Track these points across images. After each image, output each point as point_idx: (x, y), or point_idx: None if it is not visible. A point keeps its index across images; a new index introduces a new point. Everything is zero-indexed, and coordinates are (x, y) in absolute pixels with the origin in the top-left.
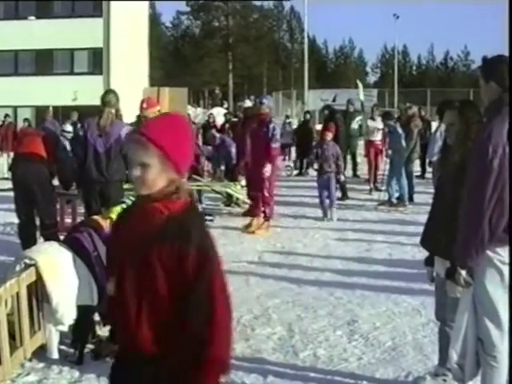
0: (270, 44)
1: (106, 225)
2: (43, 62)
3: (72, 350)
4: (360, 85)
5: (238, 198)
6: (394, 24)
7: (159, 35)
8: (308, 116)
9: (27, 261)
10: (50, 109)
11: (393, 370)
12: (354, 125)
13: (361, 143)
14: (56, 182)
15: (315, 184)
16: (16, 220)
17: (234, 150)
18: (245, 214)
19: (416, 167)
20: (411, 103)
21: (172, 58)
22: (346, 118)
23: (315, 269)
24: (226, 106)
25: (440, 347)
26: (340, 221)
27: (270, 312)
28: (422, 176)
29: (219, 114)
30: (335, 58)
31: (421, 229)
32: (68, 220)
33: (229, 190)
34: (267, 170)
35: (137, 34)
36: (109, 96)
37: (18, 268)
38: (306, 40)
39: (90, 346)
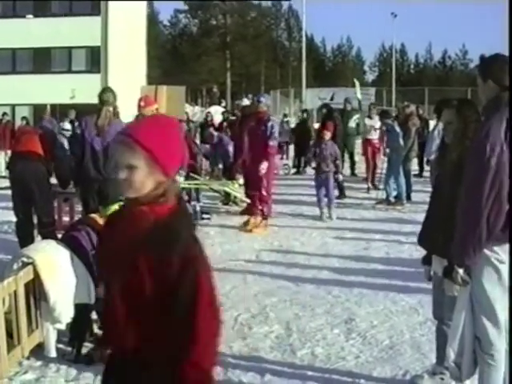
0: (267, 42)
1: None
2: (41, 61)
3: (69, 349)
4: (357, 83)
5: (235, 197)
6: (391, 23)
7: (157, 34)
8: (305, 114)
9: (25, 259)
10: (48, 107)
11: (390, 368)
12: (352, 123)
13: (358, 142)
14: (54, 180)
15: (313, 183)
16: (14, 218)
17: (231, 148)
18: (242, 213)
19: (414, 166)
20: (409, 102)
21: (170, 56)
22: (344, 116)
23: (313, 267)
24: (223, 104)
25: (437, 346)
26: (338, 219)
27: (268, 310)
28: (420, 175)
29: (217, 113)
30: (333, 57)
31: (418, 227)
32: (66, 218)
33: (227, 189)
34: (263, 167)
35: (134, 33)
36: (106, 94)
37: (15, 266)
38: (303, 38)
39: (87, 345)
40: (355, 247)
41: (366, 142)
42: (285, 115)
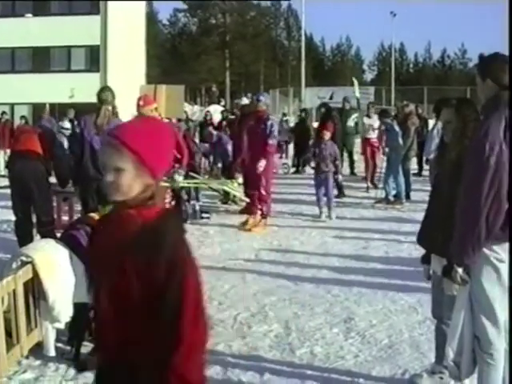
0: (267, 42)
1: None
2: (40, 60)
3: (68, 348)
4: (355, 82)
5: (234, 196)
6: (391, 22)
7: (156, 33)
8: (304, 114)
9: (24, 258)
10: (47, 106)
11: (389, 367)
12: (350, 122)
13: (357, 141)
14: (53, 179)
15: (312, 182)
16: (13, 217)
17: (230, 147)
18: (242, 212)
19: (413, 165)
20: (408, 101)
21: (169, 55)
22: (342, 115)
23: (312, 266)
24: (222, 103)
25: (436, 345)
26: (337, 219)
27: (267, 309)
28: (419, 174)
29: (216, 112)
30: (332, 56)
31: (418, 226)
32: (65, 217)
33: (226, 188)
34: (261, 165)
35: (134, 32)
36: (105, 93)
37: (14, 265)
38: (303, 38)
39: (86, 344)
40: (354, 246)
41: (365, 142)
42: (284, 114)
